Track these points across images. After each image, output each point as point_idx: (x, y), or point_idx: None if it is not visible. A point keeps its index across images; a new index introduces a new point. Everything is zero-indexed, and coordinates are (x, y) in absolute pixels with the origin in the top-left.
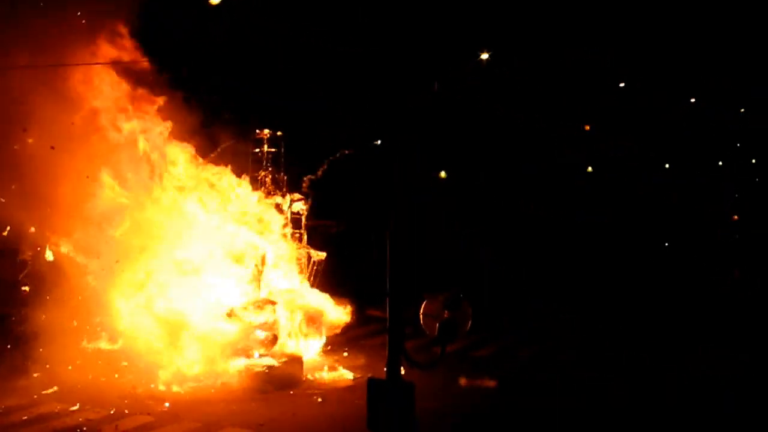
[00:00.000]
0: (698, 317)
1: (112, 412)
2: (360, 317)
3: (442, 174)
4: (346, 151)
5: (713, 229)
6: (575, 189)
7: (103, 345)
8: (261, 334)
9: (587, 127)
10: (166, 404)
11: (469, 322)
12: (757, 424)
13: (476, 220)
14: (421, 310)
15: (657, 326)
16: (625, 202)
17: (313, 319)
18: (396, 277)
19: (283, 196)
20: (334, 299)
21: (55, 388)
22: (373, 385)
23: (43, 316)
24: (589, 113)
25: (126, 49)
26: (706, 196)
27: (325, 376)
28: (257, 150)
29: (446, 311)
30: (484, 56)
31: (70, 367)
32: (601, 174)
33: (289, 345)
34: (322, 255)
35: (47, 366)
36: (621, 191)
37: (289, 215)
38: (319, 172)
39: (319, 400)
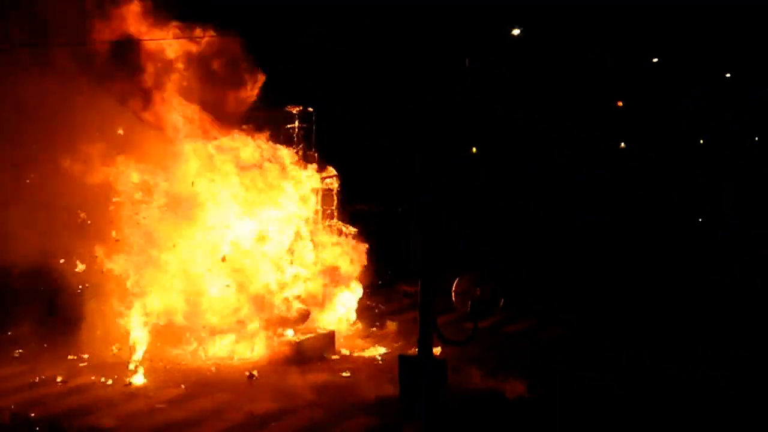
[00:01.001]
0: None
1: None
2: (392, 292)
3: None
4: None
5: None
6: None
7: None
8: (293, 308)
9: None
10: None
11: (502, 300)
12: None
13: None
14: (454, 288)
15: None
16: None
17: (344, 293)
18: (426, 254)
19: (315, 172)
20: (366, 274)
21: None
22: (404, 361)
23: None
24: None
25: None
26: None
27: (357, 350)
28: (288, 126)
29: (478, 289)
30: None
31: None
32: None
33: (321, 319)
34: (353, 230)
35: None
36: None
37: (320, 191)
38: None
39: (349, 374)
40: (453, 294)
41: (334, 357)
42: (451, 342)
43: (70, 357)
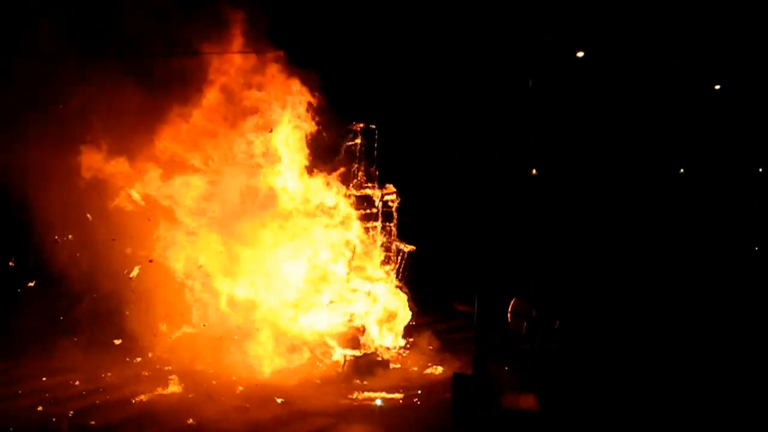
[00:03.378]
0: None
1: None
2: (447, 311)
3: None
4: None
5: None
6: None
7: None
8: (348, 325)
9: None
10: (240, 387)
11: (557, 322)
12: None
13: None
14: (509, 309)
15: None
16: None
17: (398, 312)
18: (484, 276)
19: (375, 189)
20: (421, 292)
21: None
22: (458, 379)
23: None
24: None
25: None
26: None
27: (411, 368)
28: (350, 142)
29: (534, 310)
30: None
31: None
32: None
33: (376, 337)
34: (411, 247)
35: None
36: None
37: (380, 208)
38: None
39: (402, 393)
40: (509, 315)
41: (388, 374)
42: (505, 362)
43: (132, 359)
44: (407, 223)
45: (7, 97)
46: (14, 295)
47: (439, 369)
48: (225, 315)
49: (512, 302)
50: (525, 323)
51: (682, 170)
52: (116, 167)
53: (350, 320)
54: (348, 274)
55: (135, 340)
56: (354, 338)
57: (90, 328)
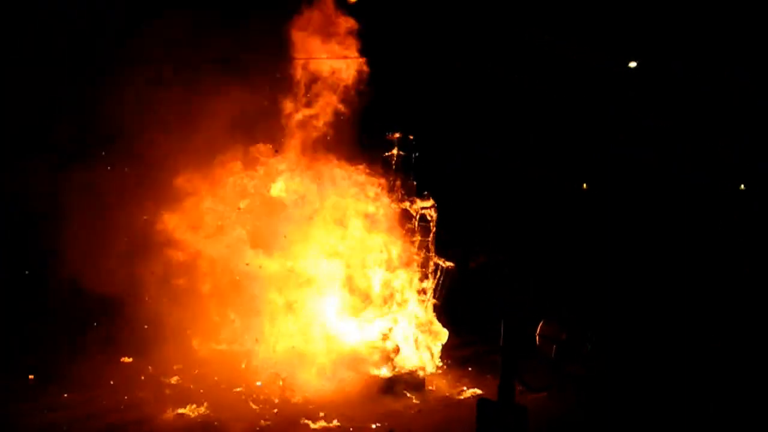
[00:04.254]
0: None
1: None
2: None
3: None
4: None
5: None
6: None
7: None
8: (384, 344)
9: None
10: (276, 407)
11: (588, 346)
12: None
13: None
14: (538, 331)
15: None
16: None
17: (435, 331)
18: (509, 299)
19: (413, 202)
20: (459, 313)
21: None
22: (483, 405)
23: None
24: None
25: None
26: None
27: (447, 390)
28: (387, 153)
29: (564, 333)
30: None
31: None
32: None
33: (411, 356)
34: (450, 264)
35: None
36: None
37: (417, 223)
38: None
39: (436, 415)
40: (537, 337)
41: (424, 396)
42: (532, 389)
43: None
44: (445, 237)
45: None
46: (41, 310)
47: (477, 391)
48: (258, 332)
49: (540, 324)
50: (555, 347)
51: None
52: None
53: (385, 339)
54: (384, 291)
55: (164, 358)
56: (389, 358)
57: (117, 345)
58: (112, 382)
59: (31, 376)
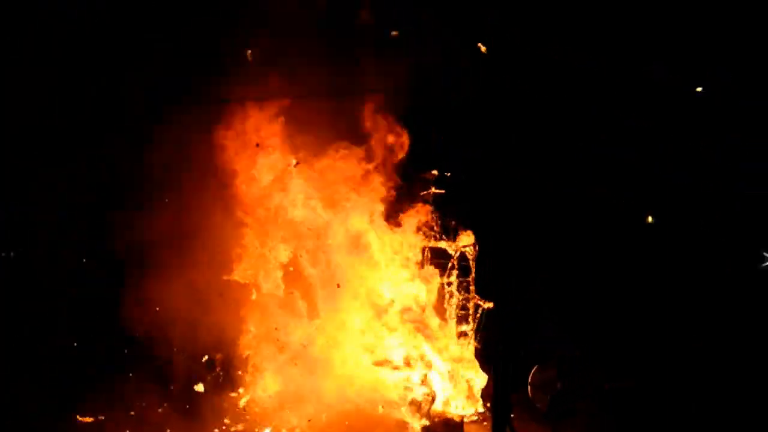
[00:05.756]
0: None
1: None
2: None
3: None
4: None
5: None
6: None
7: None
8: (418, 392)
9: None
10: None
11: (589, 399)
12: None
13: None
14: (530, 380)
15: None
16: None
17: (474, 377)
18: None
19: (451, 241)
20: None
21: None
22: None
23: None
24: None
25: None
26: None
27: None
28: (424, 192)
29: (559, 382)
30: None
31: None
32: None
33: (446, 405)
34: (490, 305)
35: None
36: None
37: (455, 262)
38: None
39: None
40: (529, 387)
41: None
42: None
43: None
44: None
45: None
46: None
47: None
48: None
49: (533, 370)
50: (548, 398)
51: None
52: None
53: (422, 384)
54: (421, 335)
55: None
56: (426, 405)
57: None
58: None
59: None
